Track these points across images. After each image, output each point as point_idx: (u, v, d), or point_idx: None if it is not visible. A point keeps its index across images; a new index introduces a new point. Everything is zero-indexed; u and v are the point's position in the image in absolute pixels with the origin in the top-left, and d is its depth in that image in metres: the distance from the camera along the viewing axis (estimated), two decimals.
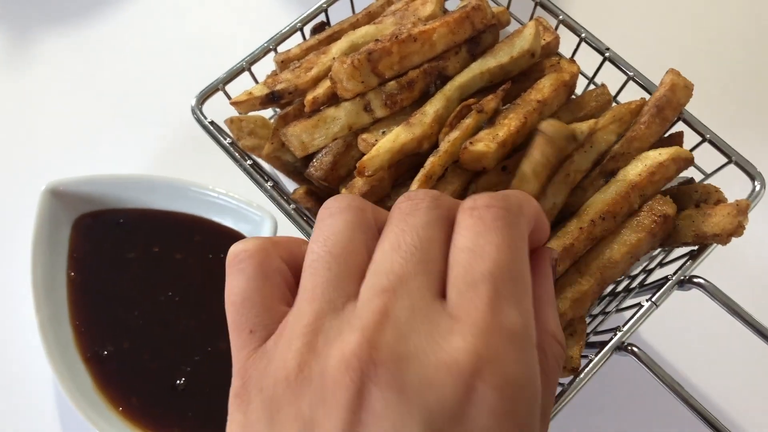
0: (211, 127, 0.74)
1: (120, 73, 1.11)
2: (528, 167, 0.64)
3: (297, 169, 0.81)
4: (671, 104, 0.70)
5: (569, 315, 0.65)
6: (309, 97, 0.71)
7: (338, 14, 0.82)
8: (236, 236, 0.92)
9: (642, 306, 0.67)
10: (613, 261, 0.67)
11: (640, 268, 0.78)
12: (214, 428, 0.83)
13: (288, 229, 0.91)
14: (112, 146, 1.05)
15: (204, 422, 0.83)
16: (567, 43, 0.79)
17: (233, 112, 0.77)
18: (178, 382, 0.85)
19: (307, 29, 0.81)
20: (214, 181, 0.92)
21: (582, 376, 0.64)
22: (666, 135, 0.73)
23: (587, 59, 0.79)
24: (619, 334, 0.65)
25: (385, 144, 0.67)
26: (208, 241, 0.93)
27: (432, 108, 0.69)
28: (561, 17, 0.79)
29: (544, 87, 0.70)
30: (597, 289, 0.67)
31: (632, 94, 0.76)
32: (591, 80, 0.81)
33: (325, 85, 0.71)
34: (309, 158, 0.78)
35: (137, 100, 1.09)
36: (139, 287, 0.90)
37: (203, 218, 0.93)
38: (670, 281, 0.68)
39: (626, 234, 0.68)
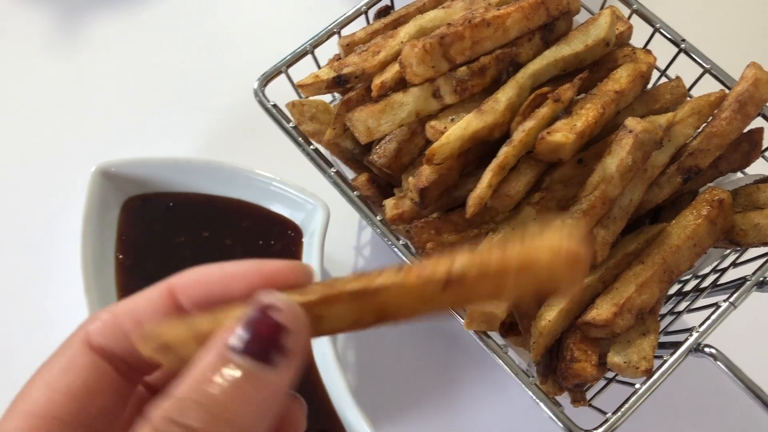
0: (275, 111, 0.73)
1: (170, 57, 1.10)
2: (615, 168, 0.61)
3: (355, 156, 0.80)
4: (753, 99, 0.67)
5: (637, 301, 0.62)
6: (377, 81, 0.69)
7: None
8: (287, 223, 0.91)
9: (719, 306, 0.64)
10: (674, 246, 0.64)
11: (709, 268, 0.75)
12: None
13: (340, 218, 0.90)
14: (162, 129, 1.04)
15: None
16: (637, 33, 0.76)
17: (289, 97, 0.76)
18: None
19: (371, 13, 0.79)
20: (264, 167, 0.90)
21: (656, 377, 0.62)
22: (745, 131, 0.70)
23: (657, 51, 0.76)
24: (695, 334, 0.63)
25: (455, 131, 0.65)
26: (257, 227, 0.91)
27: (505, 95, 0.66)
28: (635, 6, 0.76)
29: (621, 77, 0.68)
30: (664, 277, 0.64)
31: (706, 88, 0.73)
32: (663, 73, 0.79)
33: (393, 69, 0.69)
34: (368, 146, 0.76)
35: (188, 84, 1.08)
36: None
37: (253, 204, 0.91)
38: (749, 282, 0.65)
39: (684, 219, 0.66)
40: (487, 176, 0.63)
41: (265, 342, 0.31)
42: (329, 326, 0.34)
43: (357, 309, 0.33)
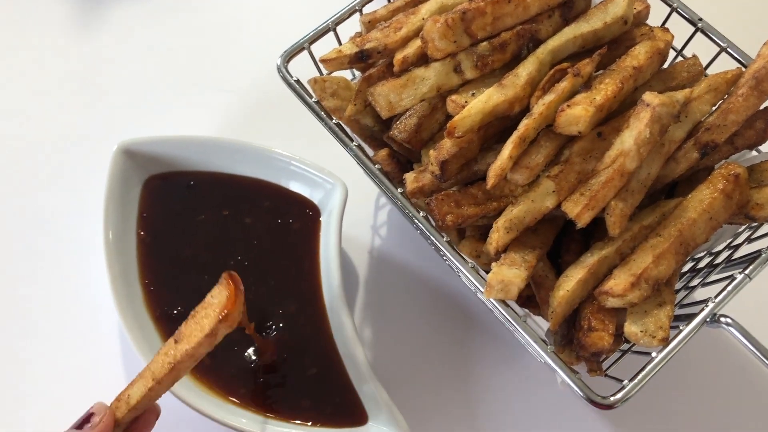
0: (297, 86, 0.74)
1: (191, 38, 1.11)
2: (633, 141, 0.62)
3: (374, 133, 0.81)
4: None
5: (653, 272, 0.63)
6: (399, 56, 0.70)
7: None
8: (305, 203, 0.92)
9: (734, 278, 0.65)
10: (690, 219, 0.65)
11: (723, 245, 0.76)
12: (282, 389, 0.83)
13: (357, 198, 0.91)
14: (183, 108, 1.06)
15: (272, 384, 0.83)
16: (654, 13, 0.77)
17: (309, 76, 0.77)
18: (245, 345, 0.85)
19: None
20: (283, 146, 0.91)
21: (673, 345, 0.63)
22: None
23: (674, 30, 0.77)
24: (711, 304, 0.64)
25: (476, 105, 0.66)
26: (277, 206, 0.92)
27: (525, 70, 0.68)
28: None
29: (640, 54, 0.69)
30: (680, 249, 0.65)
31: (722, 67, 0.74)
32: (679, 52, 0.80)
33: (415, 44, 0.70)
34: (387, 123, 0.78)
35: (208, 64, 1.09)
36: (209, 250, 0.90)
37: (273, 183, 0.93)
38: (765, 254, 0.66)
39: (700, 194, 0.67)
40: (508, 148, 0.64)
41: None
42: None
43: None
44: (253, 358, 0.84)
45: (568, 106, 0.63)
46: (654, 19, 0.77)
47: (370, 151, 0.81)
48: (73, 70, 1.09)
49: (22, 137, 1.04)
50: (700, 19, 0.75)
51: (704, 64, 0.75)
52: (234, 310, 0.63)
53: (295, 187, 0.93)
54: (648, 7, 0.75)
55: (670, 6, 0.77)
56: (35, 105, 1.07)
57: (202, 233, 0.91)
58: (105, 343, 0.91)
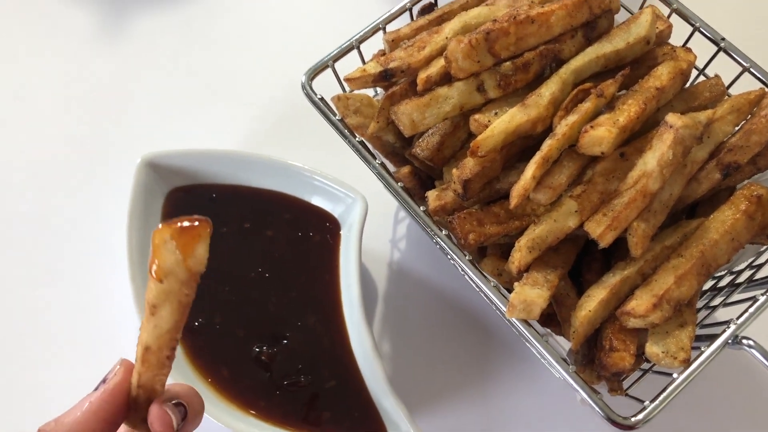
0: (321, 104, 0.75)
1: (214, 52, 1.13)
2: (655, 163, 0.63)
3: (395, 150, 0.82)
4: None
5: (675, 293, 0.64)
6: (422, 75, 0.71)
7: None
8: (325, 216, 0.93)
9: (757, 299, 0.65)
10: (712, 240, 0.66)
11: (744, 265, 0.76)
12: (301, 402, 0.83)
13: (376, 212, 0.91)
14: (206, 122, 1.07)
15: (292, 397, 0.84)
16: (676, 31, 0.78)
17: (331, 92, 0.78)
18: (265, 357, 0.86)
19: (415, 10, 0.81)
20: (303, 159, 0.92)
21: (694, 367, 0.63)
22: None
23: (696, 49, 0.77)
24: (733, 326, 0.64)
25: (499, 125, 0.66)
26: (298, 219, 0.93)
27: (548, 90, 0.68)
28: (675, 5, 0.77)
29: (662, 74, 0.69)
30: (702, 270, 0.65)
31: (744, 86, 0.74)
32: (701, 71, 0.80)
33: (439, 64, 0.71)
34: (408, 140, 0.79)
35: (231, 78, 1.11)
36: (231, 262, 0.91)
37: (294, 197, 0.94)
38: None
39: (722, 214, 0.67)
40: (531, 168, 0.65)
41: None
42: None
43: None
44: (272, 368, 0.85)
45: (592, 127, 0.64)
46: (676, 38, 0.77)
47: (391, 167, 0.81)
48: (98, 82, 1.11)
49: (47, 149, 1.06)
50: (723, 39, 0.76)
51: (727, 84, 0.76)
52: (159, 255, 0.52)
53: (316, 200, 0.94)
54: (670, 26, 0.75)
55: (692, 25, 0.77)
56: (59, 117, 1.08)
57: (223, 245, 0.92)
58: (127, 356, 0.91)
